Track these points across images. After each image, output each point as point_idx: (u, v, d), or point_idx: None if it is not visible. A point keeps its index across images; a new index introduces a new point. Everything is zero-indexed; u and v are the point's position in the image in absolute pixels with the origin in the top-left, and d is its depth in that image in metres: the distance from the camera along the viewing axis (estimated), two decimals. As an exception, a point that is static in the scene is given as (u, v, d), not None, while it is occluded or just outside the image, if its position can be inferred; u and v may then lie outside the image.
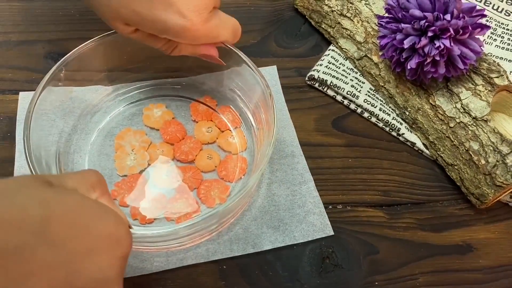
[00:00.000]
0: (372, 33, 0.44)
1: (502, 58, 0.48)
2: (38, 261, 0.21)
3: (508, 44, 0.49)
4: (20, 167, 0.38)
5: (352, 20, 0.45)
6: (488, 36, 0.49)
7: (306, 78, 0.45)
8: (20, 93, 0.41)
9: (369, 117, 0.44)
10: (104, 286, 0.23)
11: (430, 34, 0.36)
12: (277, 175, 0.39)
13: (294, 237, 0.36)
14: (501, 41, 0.49)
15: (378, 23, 0.40)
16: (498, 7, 0.51)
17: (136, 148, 0.39)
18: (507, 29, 0.50)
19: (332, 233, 0.37)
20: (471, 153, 0.38)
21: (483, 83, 0.39)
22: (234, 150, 0.40)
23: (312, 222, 0.37)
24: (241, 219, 0.37)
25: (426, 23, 0.36)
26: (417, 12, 0.37)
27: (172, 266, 0.34)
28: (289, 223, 0.37)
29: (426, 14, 0.36)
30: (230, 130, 0.41)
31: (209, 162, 0.39)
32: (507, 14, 0.51)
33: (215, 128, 0.41)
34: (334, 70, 0.45)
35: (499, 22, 0.51)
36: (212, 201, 0.37)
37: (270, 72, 0.46)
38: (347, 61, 0.46)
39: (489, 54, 0.47)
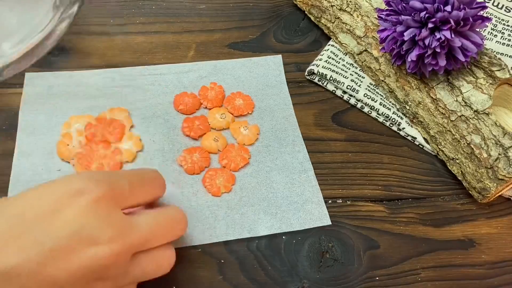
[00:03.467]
0: (371, 27, 0.43)
1: (503, 54, 0.48)
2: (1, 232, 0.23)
3: (509, 40, 0.49)
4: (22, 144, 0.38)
5: (351, 15, 0.45)
6: (489, 32, 0.49)
7: (306, 73, 0.45)
8: (26, 73, 0.41)
9: (369, 112, 0.43)
10: (83, 238, 0.24)
11: (430, 25, 0.36)
12: (277, 163, 0.39)
13: (291, 224, 0.36)
14: (502, 37, 0.49)
15: (378, 16, 0.40)
16: (499, 3, 0.51)
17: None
18: (508, 25, 0.50)
19: (329, 222, 0.36)
20: (472, 146, 0.37)
21: (485, 76, 0.39)
22: (242, 140, 0.40)
23: (310, 211, 0.37)
24: (238, 205, 0.37)
25: (427, 15, 0.36)
26: (417, 4, 0.36)
27: None
28: (287, 211, 0.37)
29: (426, 5, 0.36)
30: (246, 120, 0.41)
31: (214, 144, 0.39)
32: (507, 10, 0.51)
33: (228, 114, 0.41)
34: (334, 65, 0.45)
35: (499, 18, 0.50)
36: (217, 190, 0.37)
37: (275, 61, 0.45)
38: (347, 56, 0.46)
39: (489, 50, 0.46)
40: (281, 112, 0.42)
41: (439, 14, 0.36)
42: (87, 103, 0.41)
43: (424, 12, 0.36)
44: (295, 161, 0.39)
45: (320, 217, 0.37)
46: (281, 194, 0.37)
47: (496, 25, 0.50)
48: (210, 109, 0.42)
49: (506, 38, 0.49)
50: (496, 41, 0.49)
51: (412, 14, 0.37)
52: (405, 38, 0.37)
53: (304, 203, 0.37)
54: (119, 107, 0.41)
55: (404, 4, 0.37)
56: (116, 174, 0.27)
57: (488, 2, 0.51)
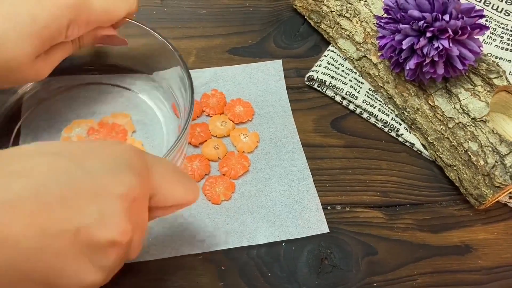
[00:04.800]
0: (371, 33, 0.44)
1: (502, 58, 0.48)
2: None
3: (508, 44, 0.49)
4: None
5: (351, 21, 0.45)
6: (488, 36, 0.49)
7: (305, 79, 0.45)
8: None
9: (368, 118, 0.44)
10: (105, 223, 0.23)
11: (428, 34, 0.36)
12: (276, 170, 0.40)
13: (289, 232, 0.37)
14: (501, 41, 0.49)
15: (377, 24, 0.40)
16: (498, 7, 0.51)
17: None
18: (507, 29, 0.50)
19: (327, 230, 0.37)
20: (470, 153, 0.38)
21: (482, 83, 0.39)
22: (241, 148, 0.40)
23: (308, 219, 0.37)
24: (238, 213, 0.37)
25: (425, 24, 0.36)
26: (415, 13, 0.36)
27: (167, 255, 0.35)
28: (285, 219, 0.37)
29: (424, 14, 0.36)
30: (246, 128, 0.42)
31: (214, 151, 0.40)
32: (506, 14, 0.51)
33: (229, 122, 0.42)
34: (333, 71, 0.45)
35: (498, 22, 0.50)
36: (217, 198, 0.38)
37: (275, 67, 0.46)
38: (346, 61, 0.46)
39: (488, 54, 0.47)
40: (281, 119, 0.43)
41: (437, 23, 0.36)
42: (88, 109, 0.41)
43: (423, 21, 0.36)
44: (294, 168, 0.40)
45: (318, 224, 0.37)
46: (280, 202, 0.38)
47: (495, 29, 0.50)
48: (211, 116, 0.42)
49: (505, 42, 0.49)
50: (495, 45, 0.49)
51: (411, 23, 0.37)
52: (403, 47, 0.37)
53: (302, 211, 0.38)
54: (121, 112, 0.41)
55: (402, 13, 0.38)
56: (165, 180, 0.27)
57: (487, 6, 0.51)
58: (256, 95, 0.44)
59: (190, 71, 0.44)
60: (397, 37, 0.38)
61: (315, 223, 0.37)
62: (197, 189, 0.29)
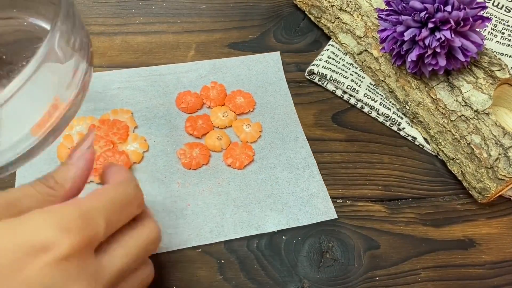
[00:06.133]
0: (371, 27, 0.43)
1: (503, 54, 0.48)
2: None
3: (509, 40, 0.49)
4: None
5: (351, 15, 0.45)
6: (489, 32, 0.49)
7: (306, 73, 0.45)
8: None
9: (370, 112, 0.43)
10: None
11: (430, 25, 0.36)
12: (281, 159, 0.39)
13: (297, 219, 0.36)
14: (502, 37, 0.49)
15: (378, 16, 0.40)
16: (499, 3, 0.51)
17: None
18: (508, 25, 0.50)
19: (335, 216, 0.37)
20: (472, 146, 0.37)
21: (485, 76, 0.39)
22: (244, 138, 0.40)
23: (316, 205, 0.37)
24: (245, 203, 0.37)
25: (427, 15, 0.36)
26: (417, 4, 0.36)
27: (175, 247, 0.34)
28: (293, 206, 0.37)
29: (426, 5, 0.36)
30: (248, 118, 0.42)
31: (217, 142, 0.39)
32: (507, 10, 0.51)
33: (231, 112, 0.41)
34: (334, 65, 0.45)
35: (499, 18, 0.50)
36: None
37: (273, 58, 0.46)
38: (347, 56, 0.46)
39: (489, 50, 0.46)
40: (282, 109, 0.42)
41: (439, 14, 0.36)
42: (88, 106, 0.41)
43: (424, 12, 0.36)
44: (299, 157, 0.40)
45: (326, 211, 0.37)
46: (286, 190, 0.38)
47: (496, 25, 0.50)
48: (212, 108, 0.42)
49: (506, 38, 0.49)
50: (496, 41, 0.49)
51: (412, 14, 0.37)
52: (405, 38, 0.37)
53: (310, 198, 0.37)
54: (122, 108, 0.41)
55: (404, 4, 0.37)
56: (91, 212, 0.23)
57: (488, 2, 0.51)
58: (256, 86, 0.44)
59: (188, 63, 0.44)
60: (399, 28, 0.37)
61: (323, 210, 0.37)
62: (141, 200, 0.27)
